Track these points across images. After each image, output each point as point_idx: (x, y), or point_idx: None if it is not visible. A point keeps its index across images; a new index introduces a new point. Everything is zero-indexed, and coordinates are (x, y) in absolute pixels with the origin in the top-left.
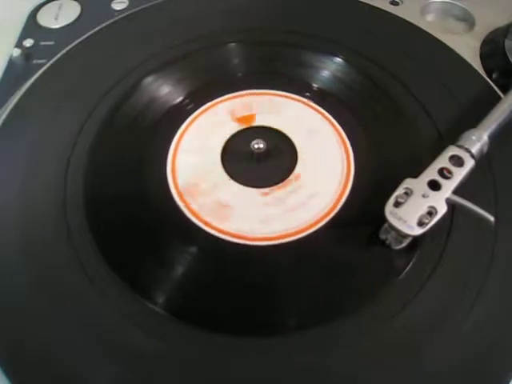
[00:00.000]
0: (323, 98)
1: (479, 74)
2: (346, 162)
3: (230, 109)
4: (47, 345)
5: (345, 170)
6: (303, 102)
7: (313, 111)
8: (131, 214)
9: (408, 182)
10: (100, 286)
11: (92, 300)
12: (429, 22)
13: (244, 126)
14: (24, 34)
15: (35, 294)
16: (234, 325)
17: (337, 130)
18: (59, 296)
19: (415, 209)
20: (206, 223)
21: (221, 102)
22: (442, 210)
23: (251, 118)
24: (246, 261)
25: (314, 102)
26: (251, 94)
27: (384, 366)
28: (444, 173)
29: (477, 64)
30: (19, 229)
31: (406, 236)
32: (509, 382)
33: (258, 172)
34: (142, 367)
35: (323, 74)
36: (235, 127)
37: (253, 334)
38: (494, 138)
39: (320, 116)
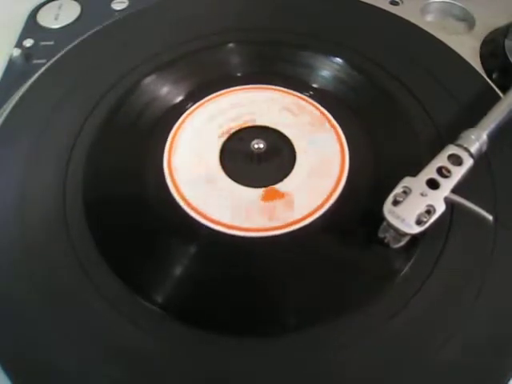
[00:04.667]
0: (323, 98)
1: (479, 73)
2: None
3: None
4: (47, 345)
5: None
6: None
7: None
8: (131, 213)
9: (407, 181)
10: (100, 286)
11: (92, 300)
12: (429, 22)
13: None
14: (24, 34)
15: (35, 294)
16: (234, 325)
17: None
18: (59, 296)
19: (414, 207)
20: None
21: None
22: (441, 208)
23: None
24: (244, 258)
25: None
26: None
27: (383, 366)
28: (443, 172)
29: (477, 64)
30: (19, 229)
31: (404, 234)
32: (509, 381)
33: (258, 171)
34: (142, 367)
35: (323, 74)
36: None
37: (252, 334)
38: (494, 138)
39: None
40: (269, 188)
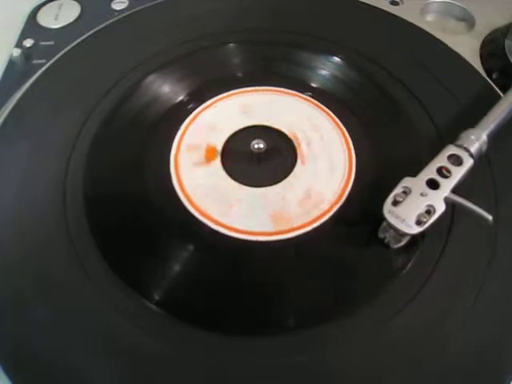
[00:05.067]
0: (323, 98)
1: (479, 73)
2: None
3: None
4: (47, 345)
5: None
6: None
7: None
8: (133, 213)
9: (406, 181)
10: (100, 286)
11: (92, 300)
12: (429, 22)
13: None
14: (24, 34)
15: (35, 294)
16: (234, 325)
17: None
18: (59, 296)
19: (413, 207)
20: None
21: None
22: (441, 208)
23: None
24: (246, 258)
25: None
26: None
27: (384, 366)
28: (443, 172)
29: (477, 64)
30: (19, 229)
31: (404, 235)
32: (509, 382)
33: (258, 171)
34: (142, 367)
35: (323, 74)
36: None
37: (252, 334)
38: (494, 138)
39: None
40: (213, 148)
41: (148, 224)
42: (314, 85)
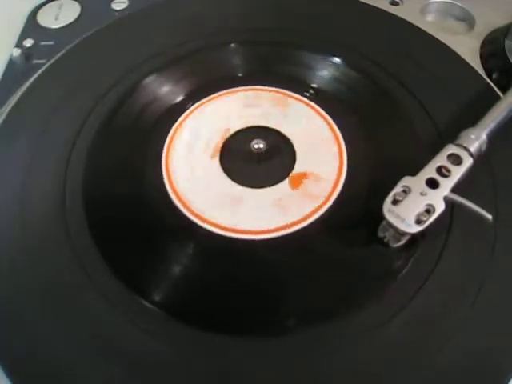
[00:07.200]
0: (323, 98)
1: (479, 74)
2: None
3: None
4: (47, 345)
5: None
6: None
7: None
8: (130, 214)
9: (406, 180)
10: (100, 286)
11: (92, 300)
12: (429, 22)
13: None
14: (24, 34)
15: (35, 294)
16: (233, 325)
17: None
18: (59, 296)
19: (413, 207)
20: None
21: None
22: (440, 208)
23: None
24: (242, 257)
25: (314, 102)
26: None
27: (384, 366)
28: (442, 171)
29: (477, 64)
30: (19, 229)
31: (403, 234)
32: (509, 381)
33: (258, 172)
34: (142, 367)
35: (323, 74)
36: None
37: (252, 334)
38: (493, 137)
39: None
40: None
41: (148, 224)
42: (313, 85)
